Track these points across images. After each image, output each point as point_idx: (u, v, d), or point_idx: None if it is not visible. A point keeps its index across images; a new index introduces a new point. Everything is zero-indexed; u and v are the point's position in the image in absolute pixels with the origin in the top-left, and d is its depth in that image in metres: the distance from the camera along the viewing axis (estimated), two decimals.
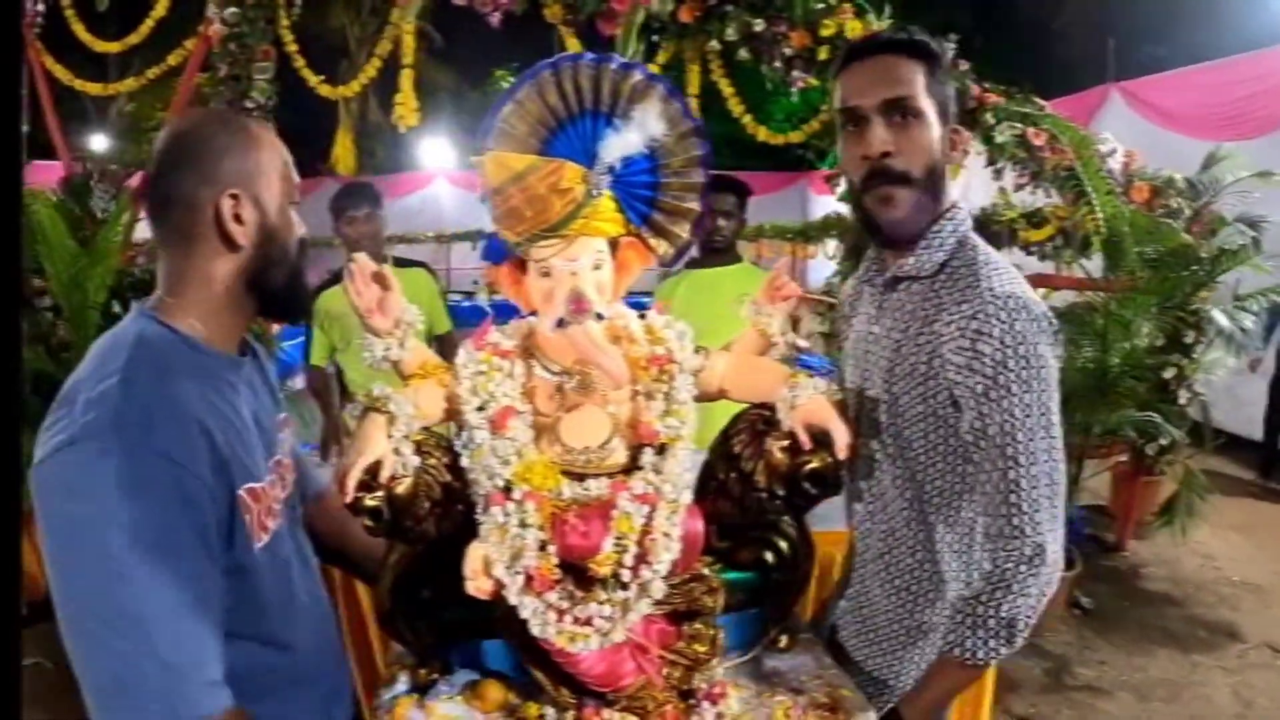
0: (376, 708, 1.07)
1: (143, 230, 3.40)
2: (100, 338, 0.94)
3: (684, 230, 1.09)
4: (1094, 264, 3.80)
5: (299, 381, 3.48)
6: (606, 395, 1.03)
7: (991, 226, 4.91)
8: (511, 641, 1.05)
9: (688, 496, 1.01)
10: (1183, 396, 3.83)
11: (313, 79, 4.03)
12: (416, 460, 0.98)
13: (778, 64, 3.66)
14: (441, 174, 14.65)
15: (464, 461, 1.00)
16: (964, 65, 3.54)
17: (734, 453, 1.08)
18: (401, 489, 0.97)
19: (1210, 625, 3.37)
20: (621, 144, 1.02)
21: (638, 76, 1.04)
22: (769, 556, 1.12)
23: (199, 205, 0.93)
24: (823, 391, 1.01)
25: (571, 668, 1.00)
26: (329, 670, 1.08)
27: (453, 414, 1.06)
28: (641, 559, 0.96)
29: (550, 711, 1.03)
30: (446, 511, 1.02)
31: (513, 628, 0.98)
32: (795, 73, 3.68)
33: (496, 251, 1.04)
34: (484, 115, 1.04)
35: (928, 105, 1.07)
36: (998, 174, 3.78)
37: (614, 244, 1.06)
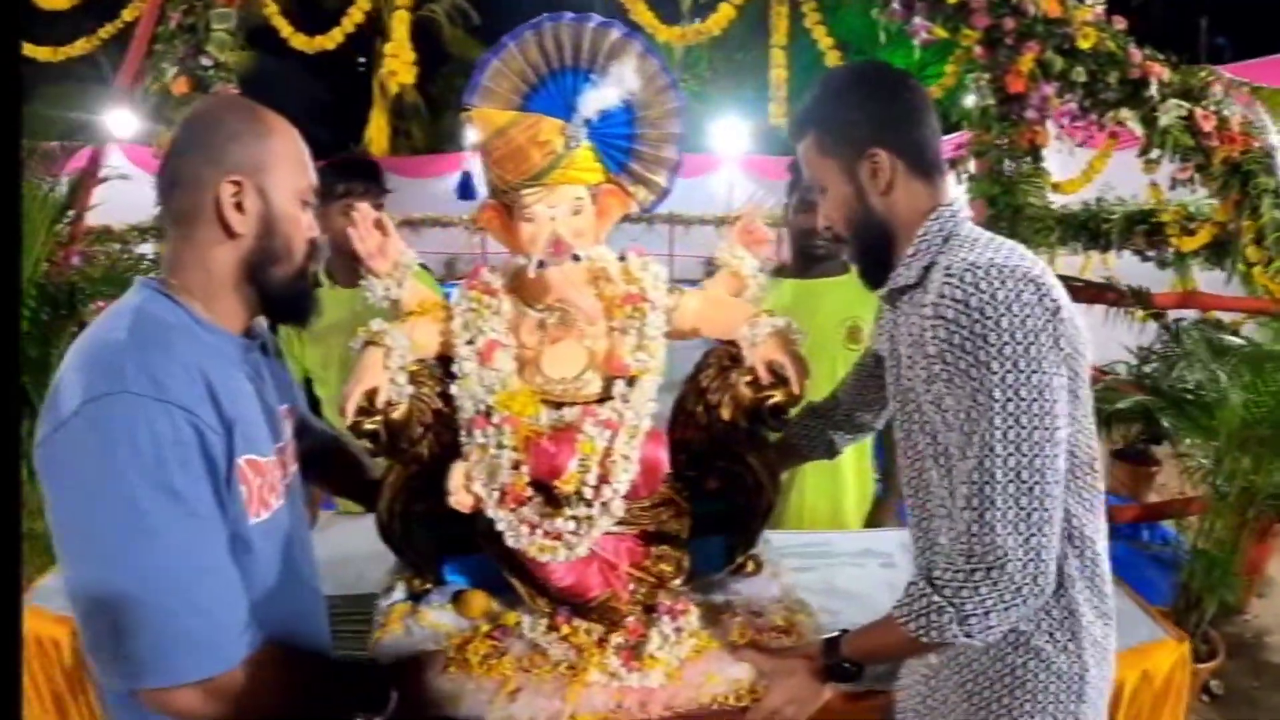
0: (376, 613, 1.22)
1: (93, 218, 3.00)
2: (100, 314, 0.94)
3: (662, 178, 1.20)
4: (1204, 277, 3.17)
5: None
6: (584, 330, 1.15)
7: (1100, 225, 4.00)
8: (493, 555, 1.17)
9: (648, 423, 1.11)
10: None
11: (286, 29, 3.62)
12: (410, 388, 1.11)
13: (895, 5, 2.96)
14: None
15: (453, 389, 1.14)
16: (1120, 23, 2.83)
17: (702, 386, 1.17)
18: (397, 414, 1.10)
19: None
20: (598, 98, 1.13)
21: (615, 34, 1.15)
22: (734, 485, 1.21)
23: (200, 188, 0.92)
24: (782, 329, 1.08)
25: (544, 579, 1.12)
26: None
27: (447, 347, 1.20)
28: (603, 478, 1.06)
29: (527, 619, 1.14)
30: (438, 436, 1.16)
31: (494, 542, 1.11)
32: (916, 19, 2.92)
33: (467, 188, 1.18)
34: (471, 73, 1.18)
35: (826, 173, 1.05)
36: (1150, 164, 2.95)
37: (596, 192, 1.18)
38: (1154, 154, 2.92)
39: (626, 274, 1.18)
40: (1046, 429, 0.87)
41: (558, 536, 1.07)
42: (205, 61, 2.95)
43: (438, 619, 1.18)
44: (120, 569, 0.78)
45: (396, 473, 1.20)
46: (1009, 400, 0.86)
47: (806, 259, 1.94)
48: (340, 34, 3.72)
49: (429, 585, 1.24)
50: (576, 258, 1.11)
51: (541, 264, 1.11)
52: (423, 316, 1.19)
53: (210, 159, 0.93)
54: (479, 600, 1.19)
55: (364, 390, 1.07)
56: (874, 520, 1.81)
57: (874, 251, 1.06)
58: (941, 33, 2.88)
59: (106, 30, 3.85)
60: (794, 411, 1.19)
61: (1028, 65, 2.75)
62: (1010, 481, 0.86)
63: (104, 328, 0.89)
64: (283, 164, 0.96)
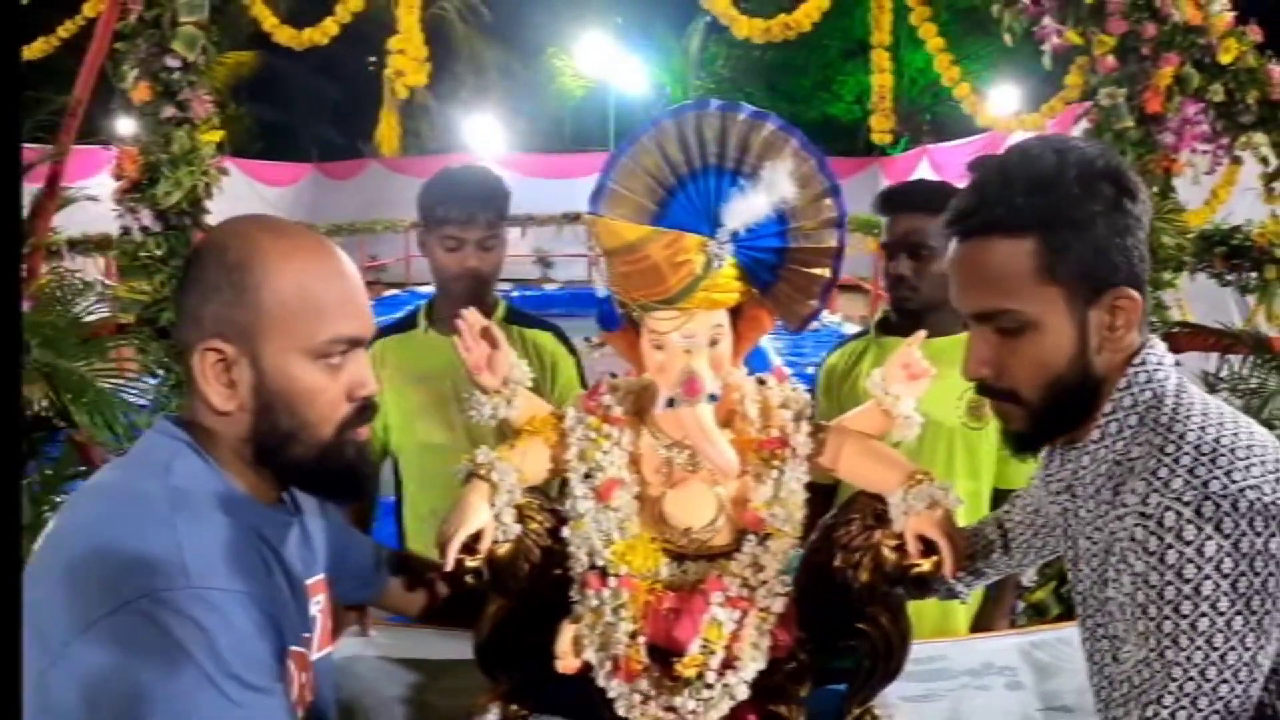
0: None
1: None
2: (118, 463, 0.82)
3: (812, 299, 1.04)
4: None
5: None
6: (714, 474, 1.04)
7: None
8: (598, 701, 1.10)
9: (780, 605, 0.99)
10: None
11: (270, 20, 3.12)
12: (518, 528, 1.00)
13: (1026, 0, 2.53)
14: (491, 156, 13.71)
15: (565, 531, 1.03)
16: (1255, 34, 2.47)
17: (842, 542, 1.05)
18: (502, 552, 1.00)
19: None
20: (747, 208, 0.96)
21: (769, 128, 0.98)
22: (862, 644, 1.10)
23: (185, 349, 0.77)
24: (940, 502, 0.95)
25: None
26: None
27: (558, 474, 1.09)
28: (728, 664, 0.96)
29: None
30: (545, 573, 1.07)
31: (599, 696, 1.03)
32: (1047, 20, 2.50)
33: (610, 318, 1.04)
34: (600, 173, 1.01)
35: (1049, 302, 0.80)
36: (1272, 195, 2.68)
37: (736, 309, 1.03)
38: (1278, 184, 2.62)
39: (765, 409, 1.05)
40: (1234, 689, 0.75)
41: (672, 709, 0.97)
42: (171, 62, 2.37)
43: None
44: None
45: (498, 605, 1.11)
46: (1206, 663, 0.75)
47: (904, 314, 1.60)
48: (334, 25, 3.17)
49: (525, 712, 1.17)
50: (714, 397, 0.98)
51: (671, 402, 0.98)
52: (533, 439, 1.07)
53: (190, 316, 0.77)
54: None
55: (467, 534, 0.97)
56: (983, 619, 1.66)
57: (1061, 421, 0.86)
58: (1074, 38, 2.53)
59: (66, 28, 3.28)
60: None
61: (1167, 80, 2.45)
62: None
63: (132, 496, 0.74)
64: (290, 320, 0.76)
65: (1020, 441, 0.90)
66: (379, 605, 1.25)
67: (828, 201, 1.01)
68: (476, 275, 1.57)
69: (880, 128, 3.68)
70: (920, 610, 1.63)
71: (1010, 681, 1.37)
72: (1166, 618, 0.75)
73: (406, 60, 2.99)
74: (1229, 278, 3.27)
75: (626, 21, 15.39)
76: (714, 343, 0.99)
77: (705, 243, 0.96)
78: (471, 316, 1.09)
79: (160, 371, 2.59)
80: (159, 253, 2.59)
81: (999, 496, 1.66)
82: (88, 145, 3.12)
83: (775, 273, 1.02)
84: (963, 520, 1.62)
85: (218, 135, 2.71)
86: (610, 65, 14.95)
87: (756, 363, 1.15)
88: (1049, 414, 0.86)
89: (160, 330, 2.61)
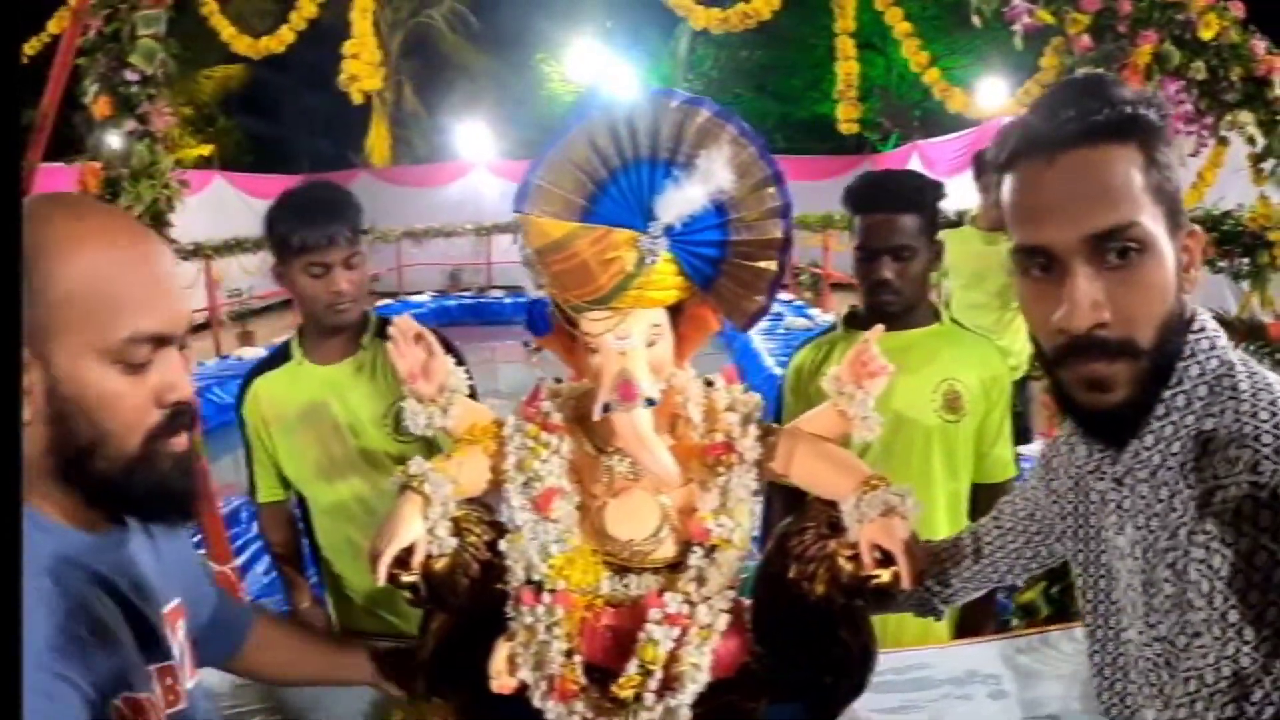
0: None
1: None
2: None
3: (761, 296, 0.97)
4: None
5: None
6: (657, 482, 0.98)
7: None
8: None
9: (724, 622, 0.93)
10: None
11: (227, 30, 3.09)
12: (453, 541, 0.95)
13: None
14: (482, 163, 14.12)
15: (503, 545, 0.97)
16: (1237, 9, 2.40)
17: (795, 552, 0.99)
18: (438, 566, 0.95)
19: None
20: (682, 199, 0.90)
21: (704, 115, 0.91)
22: (821, 660, 1.04)
23: None
24: (897, 509, 0.88)
25: None
26: None
27: (498, 484, 1.03)
28: (667, 686, 0.90)
29: None
30: (485, 588, 1.01)
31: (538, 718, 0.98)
32: (1017, 0, 2.41)
33: (541, 321, 0.98)
34: (532, 165, 0.94)
35: (1157, 221, 0.71)
36: (1260, 175, 2.57)
37: (677, 307, 0.98)
38: (1268, 164, 2.51)
39: (710, 412, 0.99)
40: None
41: None
42: (130, 76, 2.35)
43: None
44: None
45: (441, 621, 1.06)
46: None
47: (877, 314, 1.47)
48: (290, 33, 3.13)
49: None
50: (651, 402, 0.92)
51: (607, 408, 0.93)
52: (472, 448, 1.02)
53: None
54: None
55: (397, 549, 0.92)
56: (968, 624, 1.59)
57: (1158, 380, 0.74)
58: (1046, 17, 2.44)
59: (32, 45, 3.22)
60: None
61: (1145, 58, 2.39)
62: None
63: None
64: (80, 316, 0.65)
65: (1114, 419, 0.77)
66: (238, 668, 1.14)
67: (770, 190, 0.95)
68: (347, 296, 1.51)
69: (847, 116, 3.54)
70: (903, 617, 1.57)
71: (993, 690, 1.33)
72: (1272, 603, 0.68)
73: (360, 64, 2.96)
74: (1221, 264, 3.14)
75: (615, 26, 15.36)
76: (652, 344, 0.93)
77: (636, 238, 0.90)
78: (403, 323, 1.04)
79: None
80: None
81: (977, 492, 1.61)
82: (56, 164, 3.08)
83: (717, 267, 0.96)
84: (946, 520, 1.58)
85: (207, 149, 2.73)
86: (600, 70, 14.93)
87: (749, 365, 1.09)
88: (1161, 366, 0.75)
89: None
